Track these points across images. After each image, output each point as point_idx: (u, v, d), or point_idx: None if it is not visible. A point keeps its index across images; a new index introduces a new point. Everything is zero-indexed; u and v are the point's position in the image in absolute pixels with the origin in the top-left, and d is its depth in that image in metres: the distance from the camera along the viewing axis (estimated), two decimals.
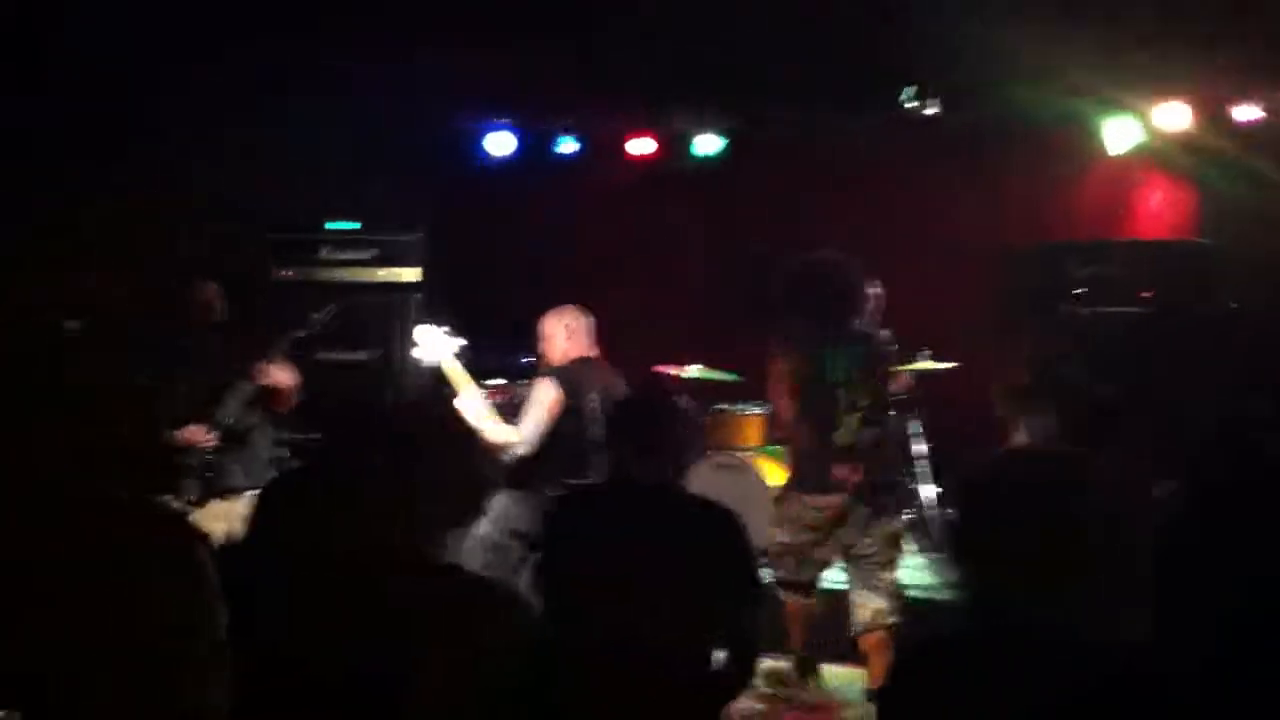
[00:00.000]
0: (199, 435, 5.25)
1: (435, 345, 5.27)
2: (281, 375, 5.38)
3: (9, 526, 2.81)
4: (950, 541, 2.08)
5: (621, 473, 3.42)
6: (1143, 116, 7.42)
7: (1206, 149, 7.35)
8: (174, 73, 6.60)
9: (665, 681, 3.07)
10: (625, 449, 3.43)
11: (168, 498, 5.16)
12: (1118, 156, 7.59)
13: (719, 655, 3.26)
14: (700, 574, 3.17)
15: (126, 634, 2.70)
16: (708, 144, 8.27)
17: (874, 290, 7.69)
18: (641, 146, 8.28)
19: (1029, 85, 7.10)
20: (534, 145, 8.33)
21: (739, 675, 3.35)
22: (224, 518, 4.87)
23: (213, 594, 2.86)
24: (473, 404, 5.10)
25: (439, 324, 5.35)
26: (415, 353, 5.39)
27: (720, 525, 3.36)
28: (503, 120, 8.18)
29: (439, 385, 5.21)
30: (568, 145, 8.28)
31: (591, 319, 5.48)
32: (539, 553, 3.50)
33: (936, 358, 7.03)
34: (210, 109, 6.95)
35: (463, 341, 5.32)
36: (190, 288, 5.59)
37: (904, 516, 7.08)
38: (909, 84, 7.48)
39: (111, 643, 2.70)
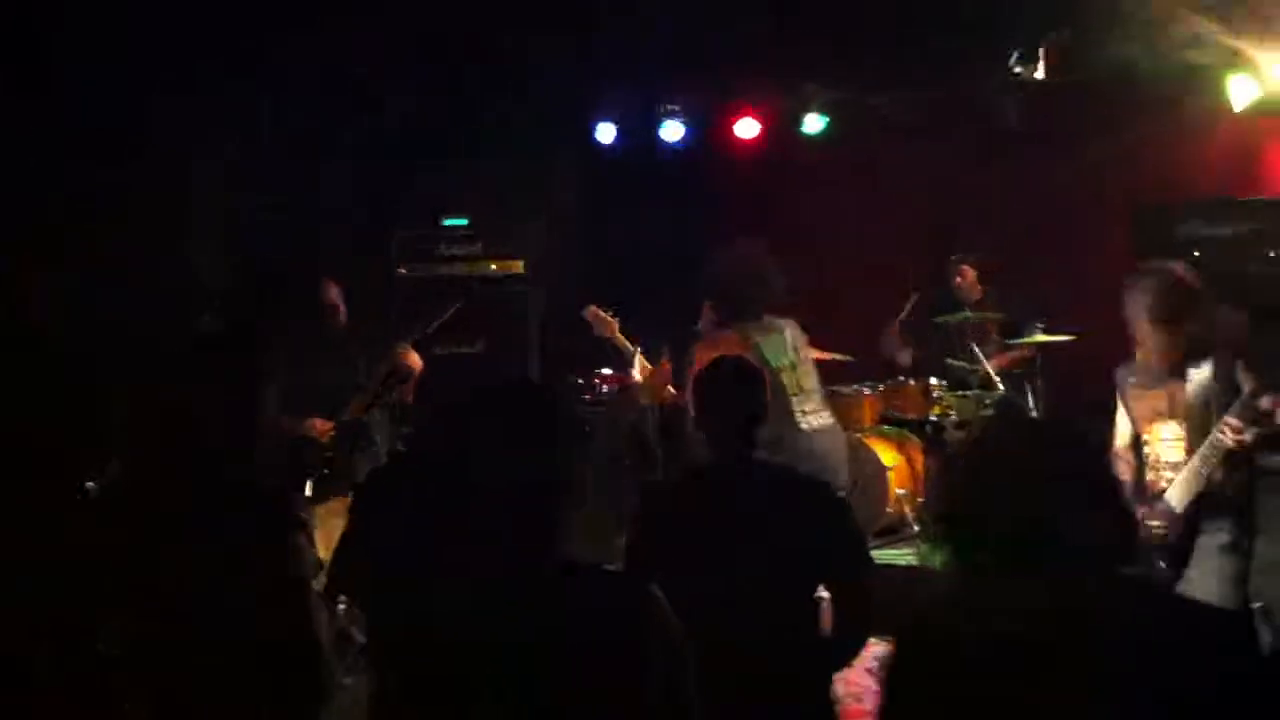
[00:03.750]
0: (322, 428, 5.44)
1: (602, 322, 5.66)
2: (415, 359, 5.57)
3: (138, 510, 2.97)
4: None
5: (719, 448, 3.42)
6: (1263, 70, 7.14)
7: None
8: (297, 74, 6.79)
9: (773, 654, 3.09)
10: (722, 424, 3.43)
11: (289, 491, 5.38)
12: (1241, 112, 7.31)
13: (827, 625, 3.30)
14: (806, 546, 3.18)
15: (224, 616, 2.84)
16: (814, 123, 8.21)
17: (967, 265, 7.64)
18: (747, 128, 8.26)
19: (1142, 41, 6.89)
20: (639, 133, 8.36)
21: (850, 645, 3.36)
22: (343, 513, 5.04)
23: (305, 582, 2.99)
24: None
25: (598, 305, 5.71)
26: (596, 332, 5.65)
27: (826, 498, 3.38)
28: (609, 111, 8.22)
29: None
30: (672, 131, 8.30)
31: None
32: (637, 531, 3.55)
33: (1050, 330, 6.90)
34: (329, 109, 7.18)
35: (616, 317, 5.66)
36: (315, 287, 5.80)
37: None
38: (1016, 48, 7.32)
39: (210, 623, 2.84)
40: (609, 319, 5.68)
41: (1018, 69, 7.30)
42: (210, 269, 6.84)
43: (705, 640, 2.82)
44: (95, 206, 6.21)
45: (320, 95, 7.06)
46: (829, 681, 3.31)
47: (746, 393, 3.44)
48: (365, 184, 7.54)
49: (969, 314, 7.36)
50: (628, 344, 5.62)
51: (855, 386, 7.34)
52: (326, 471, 5.46)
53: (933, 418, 7.22)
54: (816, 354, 7.22)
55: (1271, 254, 6.92)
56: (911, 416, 7.36)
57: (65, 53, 6.01)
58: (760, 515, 3.20)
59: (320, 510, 5.25)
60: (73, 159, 6.07)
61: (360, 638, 4.95)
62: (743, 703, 2.93)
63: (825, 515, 3.29)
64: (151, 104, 6.34)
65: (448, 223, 7.80)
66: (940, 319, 7.37)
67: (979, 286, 7.64)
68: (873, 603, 3.27)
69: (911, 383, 7.34)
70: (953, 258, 7.66)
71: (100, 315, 6.00)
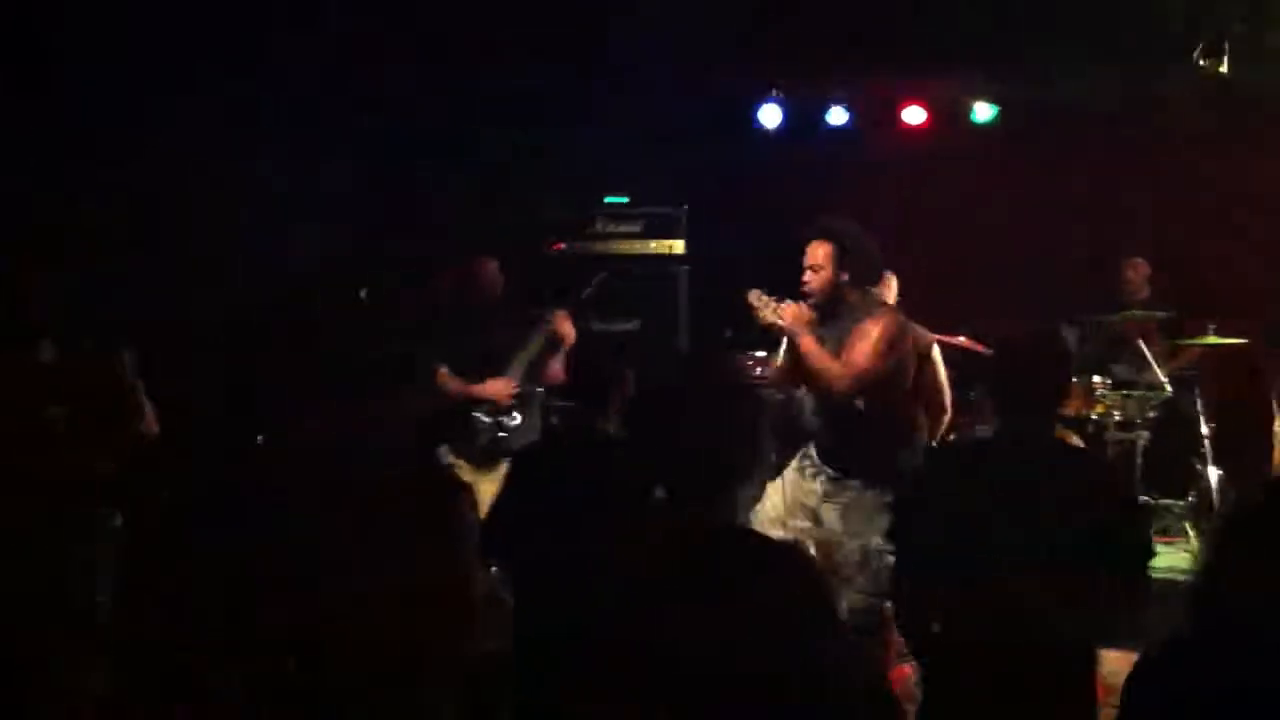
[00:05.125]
0: (503, 387, 5.62)
1: (766, 306, 5.36)
2: (567, 326, 5.64)
3: (299, 479, 3.08)
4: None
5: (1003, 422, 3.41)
6: None
7: None
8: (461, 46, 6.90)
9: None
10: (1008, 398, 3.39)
11: (454, 460, 5.53)
12: None
13: None
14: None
15: (389, 581, 2.92)
16: (984, 111, 8.05)
17: (1139, 262, 7.40)
18: (913, 116, 8.13)
19: None
20: (803, 117, 8.29)
21: None
22: (498, 480, 5.15)
23: (469, 547, 3.05)
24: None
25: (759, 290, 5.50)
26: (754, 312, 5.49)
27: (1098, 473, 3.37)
28: (772, 93, 8.17)
29: None
30: (838, 116, 8.21)
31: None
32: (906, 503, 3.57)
33: (1221, 332, 6.67)
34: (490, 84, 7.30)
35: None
36: (473, 264, 5.92)
37: (1190, 499, 6.80)
38: (1200, 40, 7.04)
39: (376, 589, 2.92)
40: (773, 303, 5.46)
41: (1202, 62, 7.02)
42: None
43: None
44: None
45: (481, 70, 7.17)
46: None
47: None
48: (524, 159, 7.63)
49: (1136, 312, 7.16)
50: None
51: None
52: (490, 439, 5.58)
53: (1095, 416, 7.04)
54: (969, 344, 7.13)
55: None
56: (1073, 414, 7.16)
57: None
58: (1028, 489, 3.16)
59: (484, 477, 5.38)
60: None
61: (509, 600, 5.04)
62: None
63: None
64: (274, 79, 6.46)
65: (608, 200, 7.85)
66: (1104, 317, 7.17)
67: (1147, 286, 7.43)
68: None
69: (1074, 380, 7.14)
70: (1125, 254, 7.46)
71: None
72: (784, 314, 4.69)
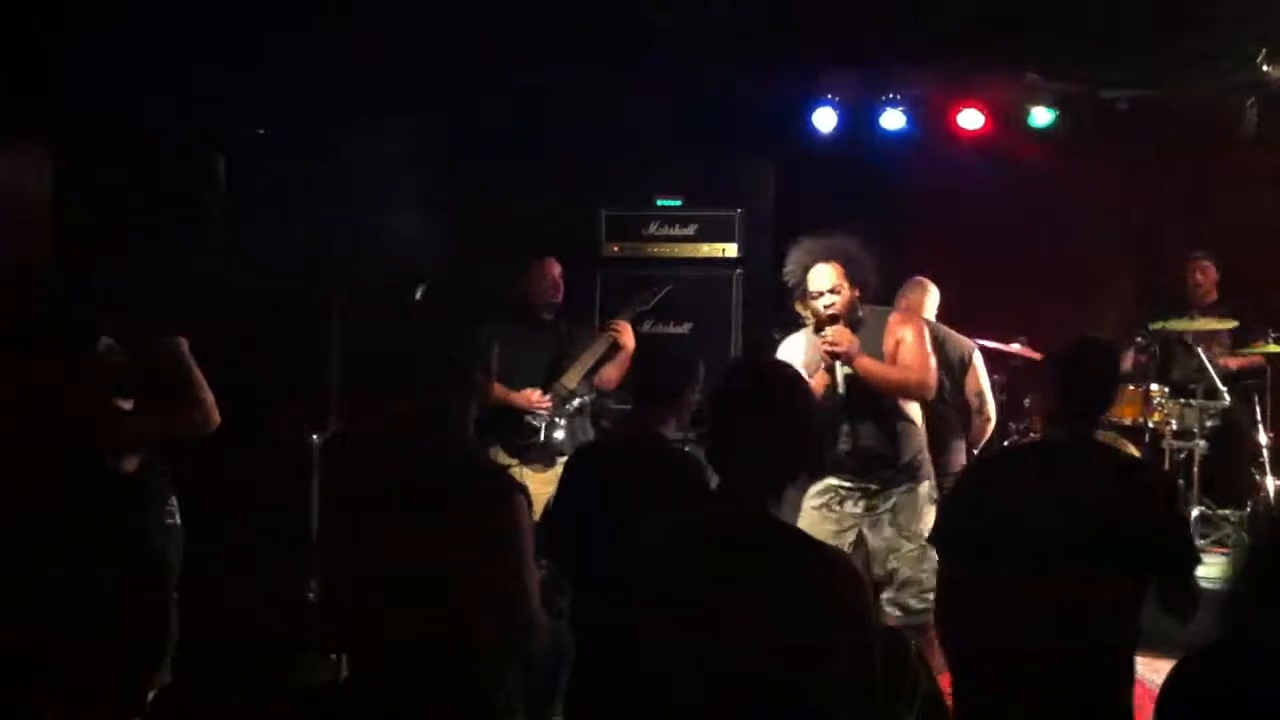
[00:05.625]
0: (536, 398, 5.62)
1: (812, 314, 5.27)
2: (629, 337, 5.68)
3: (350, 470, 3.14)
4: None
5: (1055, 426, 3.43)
6: None
7: None
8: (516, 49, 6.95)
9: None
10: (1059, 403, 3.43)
11: (507, 459, 5.59)
12: None
13: None
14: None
15: (436, 572, 2.95)
16: (1042, 115, 7.98)
17: (1208, 265, 7.33)
18: (970, 120, 8.08)
19: None
20: (858, 120, 8.26)
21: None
22: (551, 482, 5.19)
23: (526, 548, 3.08)
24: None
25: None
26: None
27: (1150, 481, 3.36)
28: (827, 96, 8.15)
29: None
30: (893, 119, 8.17)
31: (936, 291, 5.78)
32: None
33: None
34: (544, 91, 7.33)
35: None
36: (538, 264, 5.98)
37: (1247, 509, 6.72)
38: (1263, 42, 6.95)
39: (419, 578, 2.96)
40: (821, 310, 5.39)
41: (1265, 68, 6.93)
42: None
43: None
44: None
45: (536, 69, 7.21)
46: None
47: None
48: (580, 162, 7.66)
49: (1198, 318, 7.09)
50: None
51: None
52: (542, 439, 5.63)
53: (1152, 424, 6.97)
54: (1026, 353, 7.10)
55: None
56: (1129, 422, 7.10)
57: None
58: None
59: (533, 476, 5.44)
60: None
61: (563, 602, 5.08)
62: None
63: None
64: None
65: (661, 203, 7.86)
66: (1162, 324, 7.10)
67: (1215, 290, 7.35)
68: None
69: (1131, 387, 7.08)
70: (1195, 254, 7.38)
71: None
72: (840, 338, 4.64)
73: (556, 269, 5.98)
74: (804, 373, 4.15)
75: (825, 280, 4.70)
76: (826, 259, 4.72)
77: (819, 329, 4.73)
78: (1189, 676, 1.95)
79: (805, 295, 4.78)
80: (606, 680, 2.85)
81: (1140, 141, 7.79)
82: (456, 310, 6.34)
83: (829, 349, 4.64)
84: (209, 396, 3.66)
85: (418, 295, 6.09)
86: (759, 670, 2.27)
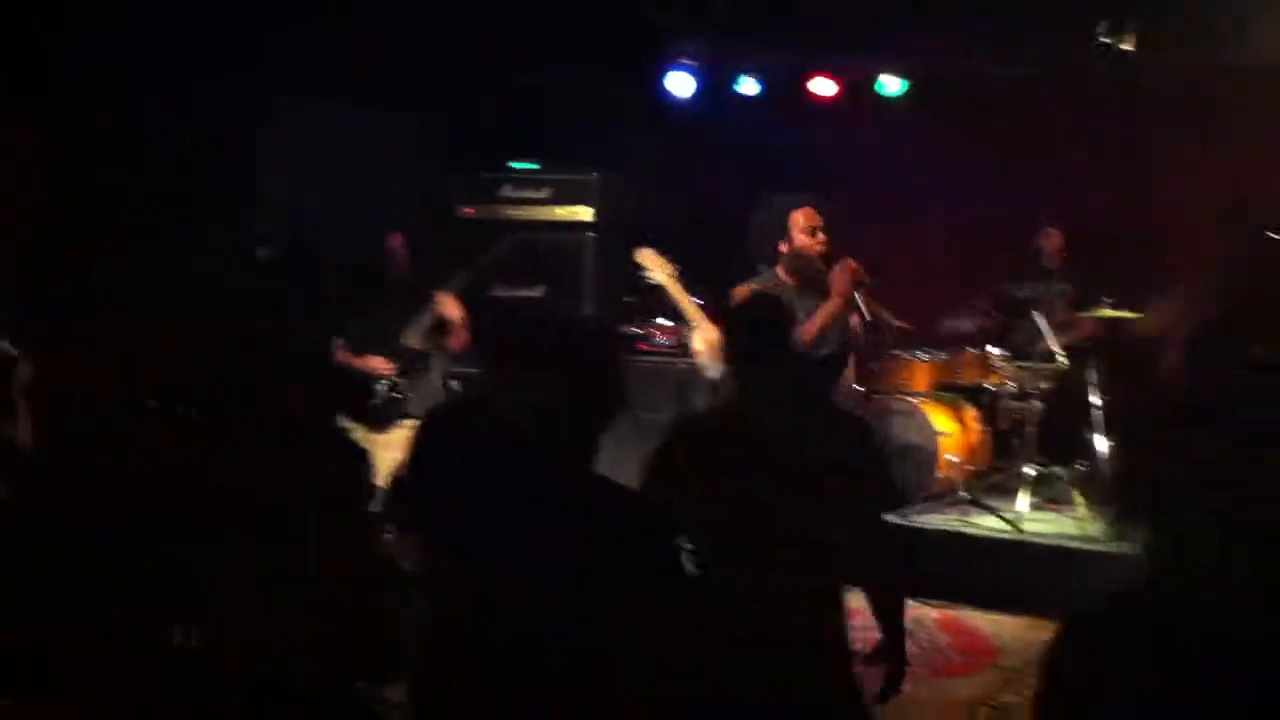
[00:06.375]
0: (380, 364, 5.62)
1: (657, 268, 5.46)
2: (452, 308, 5.66)
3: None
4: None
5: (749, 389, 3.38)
6: None
7: None
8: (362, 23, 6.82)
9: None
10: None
11: (349, 424, 5.53)
12: None
13: None
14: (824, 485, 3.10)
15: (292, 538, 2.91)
16: (892, 83, 8.12)
17: (1053, 232, 7.57)
18: (822, 87, 8.19)
19: (1230, 23, 6.73)
20: (714, 85, 8.31)
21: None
22: (400, 445, 5.14)
23: (365, 511, 3.05)
24: (699, 329, 5.22)
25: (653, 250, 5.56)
26: (643, 272, 5.52)
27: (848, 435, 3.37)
28: (684, 60, 8.18)
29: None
30: (748, 86, 8.24)
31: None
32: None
33: (1117, 306, 6.83)
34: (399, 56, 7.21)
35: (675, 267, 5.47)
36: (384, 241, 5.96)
37: (1078, 467, 6.98)
38: (1106, 17, 7.15)
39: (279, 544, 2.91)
40: (665, 263, 5.51)
41: (1106, 39, 7.13)
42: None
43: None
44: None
45: (386, 39, 7.09)
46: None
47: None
48: (433, 127, 7.57)
49: (1041, 284, 7.32)
50: (686, 296, 5.42)
51: (914, 352, 7.31)
52: (384, 402, 5.61)
53: (990, 386, 7.21)
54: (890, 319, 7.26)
55: None
56: (969, 384, 7.33)
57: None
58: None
59: (378, 440, 5.39)
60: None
61: (409, 568, 5.05)
62: (764, 652, 2.92)
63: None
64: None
65: (515, 165, 7.82)
66: (1009, 288, 7.32)
67: (1061, 255, 7.58)
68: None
69: (971, 350, 7.30)
70: (1043, 222, 7.60)
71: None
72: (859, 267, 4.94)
73: (397, 239, 5.98)
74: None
75: (813, 218, 5.09)
76: (816, 204, 5.15)
77: (805, 265, 5.00)
78: (1080, 637, 1.95)
79: (790, 236, 5.06)
80: (462, 646, 2.83)
81: (990, 111, 7.96)
82: (301, 277, 6.25)
83: (857, 278, 4.96)
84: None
85: (262, 254, 5.99)
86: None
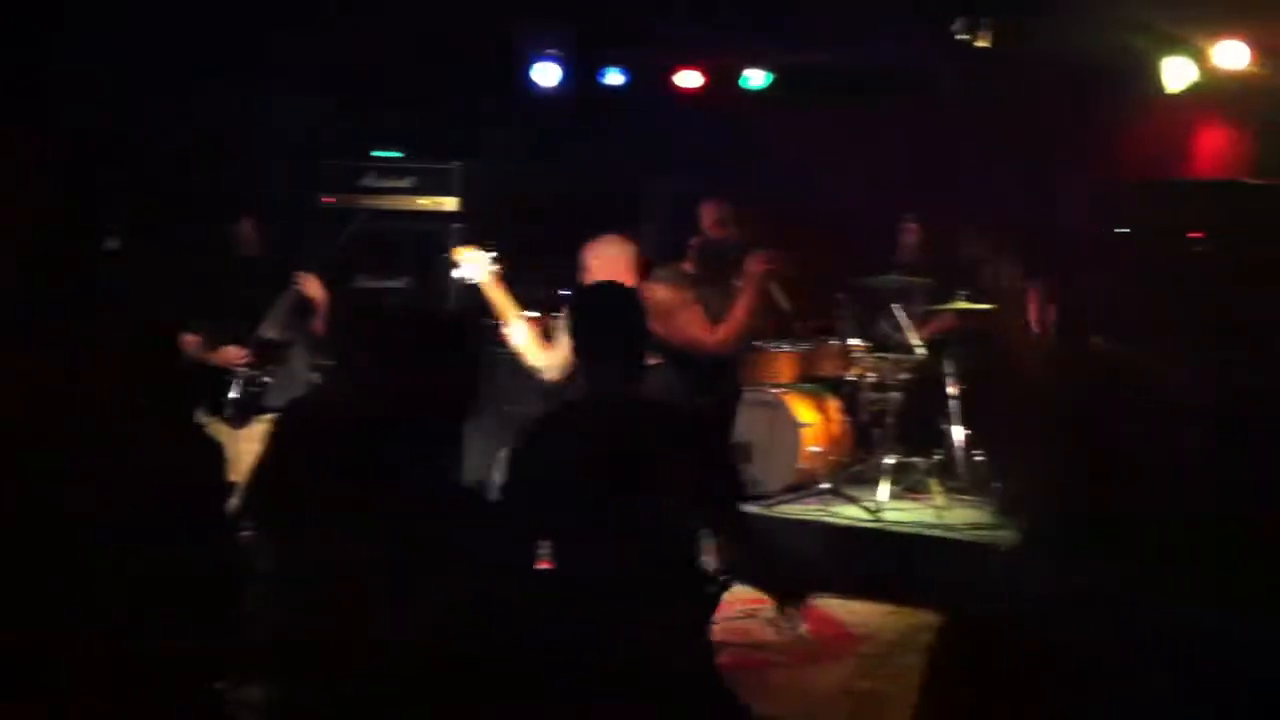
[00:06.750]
0: (235, 355, 5.45)
1: (476, 266, 5.23)
2: (315, 288, 5.52)
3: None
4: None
5: (590, 384, 3.33)
6: (1200, 54, 7.23)
7: (1265, 88, 7.15)
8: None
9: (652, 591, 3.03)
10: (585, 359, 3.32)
11: (208, 417, 5.39)
12: (1174, 95, 7.40)
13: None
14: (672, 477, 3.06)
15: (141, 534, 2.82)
16: (757, 77, 8.19)
17: (912, 225, 7.71)
18: (688, 79, 8.22)
19: (1084, 19, 6.93)
20: (580, 77, 8.28)
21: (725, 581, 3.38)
22: (259, 438, 5.02)
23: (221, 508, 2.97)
24: (515, 325, 5.03)
25: (482, 246, 5.37)
26: (456, 272, 5.36)
27: (688, 426, 3.32)
28: (550, 51, 8.13)
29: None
30: (614, 77, 8.24)
31: (633, 249, 5.46)
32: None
33: (972, 298, 7.00)
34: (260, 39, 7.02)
35: (497, 265, 5.31)
36: (229, 221, 5.78)
37: (934, 458, 7.14)
38: (962, 13, 7.31)
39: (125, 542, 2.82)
40: (486, 260, 5.07)
41: (963, 35, 7.29)
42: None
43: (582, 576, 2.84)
44: None
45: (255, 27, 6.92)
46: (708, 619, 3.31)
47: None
48: (296, 114, 7.39)
49: (897, 277, 7.44)
50: (504, 296, 5.00)
51: (776, 343, 7.38)
52: (242, 396, 5.46)
53: (850, 378, 7.33)
54: None
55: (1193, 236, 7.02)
56: (830, 375, 7.44)
57: None
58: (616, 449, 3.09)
59: (235, 435, 5.27)
60: None
61: (266, 565, 4.94)
62: (619, 643, 2.91)
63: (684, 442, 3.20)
64: None
65: (378, 154, 7.69)
66: (869, 281, 7.43)
67: (919, 249, 7.73)
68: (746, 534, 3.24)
69: (833, 342, 7.41)
70: (903, 216, 7.73)
71: None
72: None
73: (250, 226, 5.82)
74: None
75: (722, 211, 5.14)
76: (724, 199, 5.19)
77: (715, 257, 4.95)
78: (968, 629, 1.96)
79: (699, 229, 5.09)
80: (319, 645, 2.78)
81: (851, 105, 8.08)
82: (151, 266, 6.06)
83: (771, 269, 4.86)
84: None
85: (109, 246, 5.79)
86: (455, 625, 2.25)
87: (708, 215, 5.10)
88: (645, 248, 4.89)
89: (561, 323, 5.18)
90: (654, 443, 3.07)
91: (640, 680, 2.81)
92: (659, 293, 4.52)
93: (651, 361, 3.96)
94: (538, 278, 6.55)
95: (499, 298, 4.99)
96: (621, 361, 3.18)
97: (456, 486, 2.43)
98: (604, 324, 3.23)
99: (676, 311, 4.59)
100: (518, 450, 3.23)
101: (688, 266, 5.12)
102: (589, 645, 2.63)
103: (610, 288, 3.53)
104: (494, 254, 5.20)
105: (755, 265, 4.80)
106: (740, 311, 4.75)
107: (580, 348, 3.29)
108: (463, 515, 2.42)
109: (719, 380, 4.73)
